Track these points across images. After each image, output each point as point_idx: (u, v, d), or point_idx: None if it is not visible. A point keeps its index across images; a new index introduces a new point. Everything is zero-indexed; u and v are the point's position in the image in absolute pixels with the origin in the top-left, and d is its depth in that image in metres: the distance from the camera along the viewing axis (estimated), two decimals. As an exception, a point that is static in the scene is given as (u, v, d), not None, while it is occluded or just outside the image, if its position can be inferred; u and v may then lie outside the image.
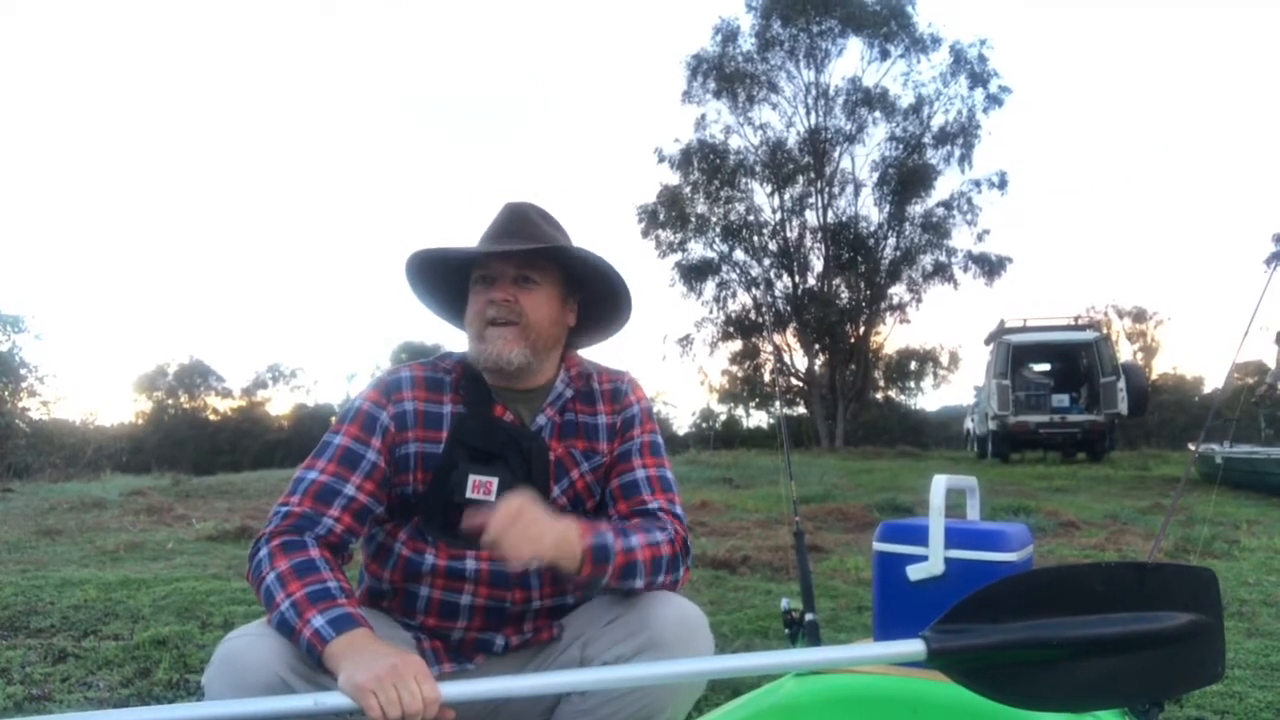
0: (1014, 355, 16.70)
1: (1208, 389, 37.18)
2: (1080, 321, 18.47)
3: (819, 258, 26.96)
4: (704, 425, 42.88)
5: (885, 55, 25.65)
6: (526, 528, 1.35)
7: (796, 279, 26.87)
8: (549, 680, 1.27)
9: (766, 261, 26.96)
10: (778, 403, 32.49)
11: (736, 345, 28.25)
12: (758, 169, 26.38)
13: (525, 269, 1.59)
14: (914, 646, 1.32)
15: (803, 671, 1.86)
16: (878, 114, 25.82)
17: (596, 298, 1.69)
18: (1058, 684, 1.34)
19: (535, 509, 1.38)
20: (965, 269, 26.11)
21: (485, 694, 1.27)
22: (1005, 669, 1.33)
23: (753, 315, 26.92)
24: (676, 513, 1.62)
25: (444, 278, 1.67)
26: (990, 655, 1.32)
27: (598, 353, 1.80)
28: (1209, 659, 1.40)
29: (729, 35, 26.06)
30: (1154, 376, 37.93)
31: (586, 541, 1.42)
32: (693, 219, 26.29)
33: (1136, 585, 1.37)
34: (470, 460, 1.56)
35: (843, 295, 27.03)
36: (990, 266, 25.92)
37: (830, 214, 26.51)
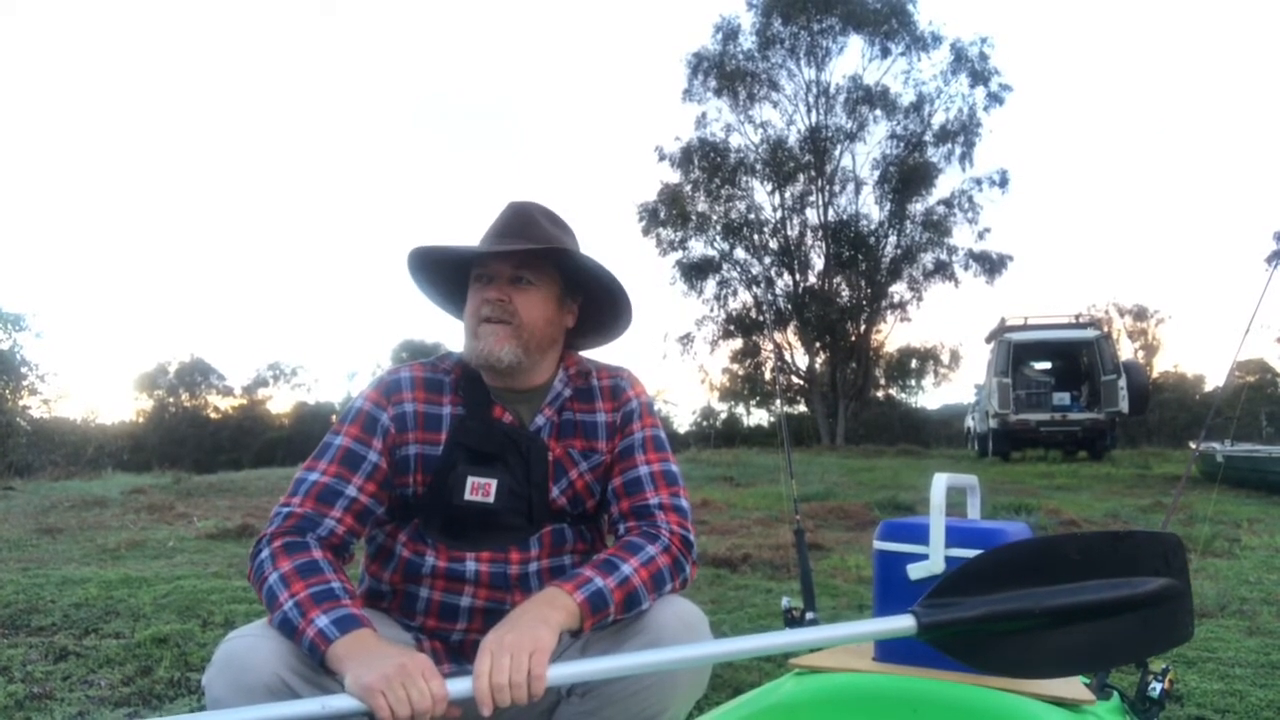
0: (1015, 353, 16.69)
1: (1209, 387, 37.18)
2: (1081, 320, 18.47)
3: (820, 256, 26.98)
4: (705, 423, 42.93)
5: (886, 53, 25.65)
6: (513, 661, 1.25)
7: (797, 277, 26.89)
8: (554, 672, 1.27)
9: (767, 259, 26.96)
10: (778, 401, 32.51)
11: (737, 343, 28.28)
12: (758, 167, 26.38)
13: (522, 269, 1.58)
14: (905, 622, 1.34)
15: (802, 671, 1.86)
16: (878, 112, 25.84)
17: (597, 301, 1.69)
18: (1043, 651, 1.38)
19: (502, 633, 1.30)
20: (966, 267, 26.16)
21: None
22: (993, 639, 1.37)
23: (753, 313, 26.92)
24: (678, 506, 1.60)
25: (447, 273, 1.68)
26: (978, 627, 1.35)
27: (598, 350, 1.80)
28: (1180, 620, 1.44)
29: (730, 33, 26.06)
30: (1155, 375, 37.90)
31: (577, 598, 1.39)
32: (693, 217, 26.29)
33: (1111, 553, 1.41)
34: (469, 462, 1.56)
35: (843, 293, 27.04)
36: (991, 265, 25.93)
37: (831, 212, 26.53)
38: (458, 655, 1.58)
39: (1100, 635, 1.38)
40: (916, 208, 26.04)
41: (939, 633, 1.34)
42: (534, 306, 1.59)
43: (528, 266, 1.59)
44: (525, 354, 1.58)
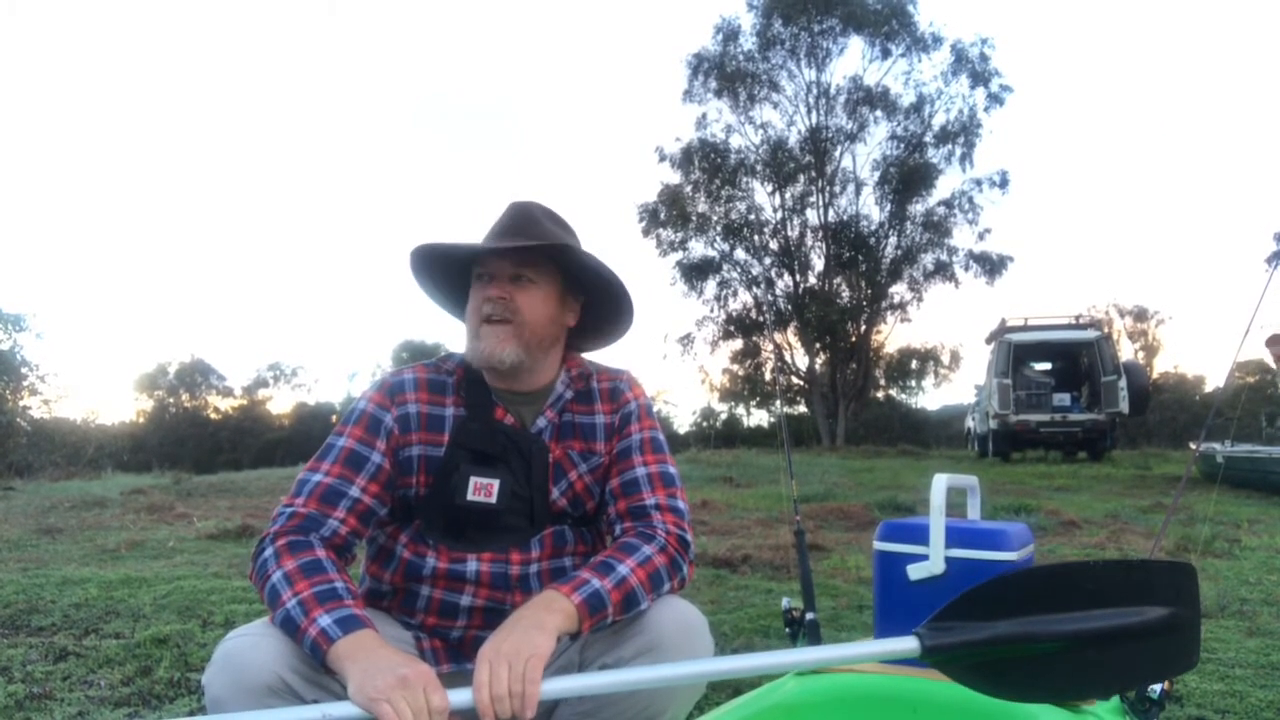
0: (1015, 354, 16.70)
1: (1209, 388, 37.15)
2: (1081, 320, 18.45)
3: (820, 256, 26.97)
4: (705, 424, 42.91)
5: (886, 54, 25.64)
6: (511, 671, 1.25)
7: (797, 278, 26.88)
8: (552, 686, 1.27)
9: (767, 260, 26.95)
10: (778, 401, 32.53)
11: (737, 344, 28.27)
12: (759, 168, 26.37)
13: (522, 267, 1.58)
14: (908, 644, 1.34)
15: (803, 671, 1.86)
16: (879, 113, 25.82)
17: (598, 300, 1.69)
18: (1046, 677, 1.38)
19: (499, 641, 1.29)
20: (966, 268, 26.14)
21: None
22: (997, 664, 1.37)
23: (754, 314, 26.92)
24: (675, 507, 1.60)
25: (450, 274, 1.67)
26: (982, 651, 1.35)
27: (600, 351, 1.80)
28: (1186, 649, 1.45)
29: (730, 34, 26.05)
30: (1155, 375, 37.90)
31: (575, 599, 1.38)
32: (694, 218, 26.28)
33: (1123, 581, 1.41)
34: (471, 463, 1.56)
35: (844, 294, 27.02)
36: (991, 265, 25.92)
37: (831, 213, 26.52)
38: (457, 653, 1.58)
39: (1105, 662, 1.39)
40: (917, 208, 26.06)
41: (943, 655, 1.35)
42: (535, 305, 1.58)
43: (528, 265, 1.58)
44: (527, 354, 1.58)
